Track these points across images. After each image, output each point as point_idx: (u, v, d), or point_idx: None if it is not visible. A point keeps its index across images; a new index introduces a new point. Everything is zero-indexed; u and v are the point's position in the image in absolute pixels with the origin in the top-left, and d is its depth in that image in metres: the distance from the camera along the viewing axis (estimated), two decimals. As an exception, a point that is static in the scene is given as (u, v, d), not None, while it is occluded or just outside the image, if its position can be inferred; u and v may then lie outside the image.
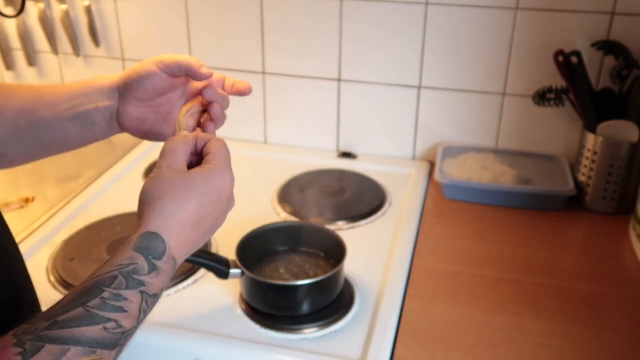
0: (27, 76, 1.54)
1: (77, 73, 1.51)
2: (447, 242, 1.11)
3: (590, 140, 1.17)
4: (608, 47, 1.16)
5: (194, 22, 1.38)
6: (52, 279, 1.00)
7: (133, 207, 1.21)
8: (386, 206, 1.21)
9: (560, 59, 1.16)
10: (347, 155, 1.40)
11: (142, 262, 0.52)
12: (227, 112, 1.42)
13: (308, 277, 0.96)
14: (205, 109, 0.69)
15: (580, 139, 1.21)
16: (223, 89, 0.70)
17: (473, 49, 1.26)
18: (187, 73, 0.67)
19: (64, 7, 1.42)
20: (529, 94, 1.25)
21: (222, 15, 1.36)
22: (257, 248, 0.98)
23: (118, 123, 0.71)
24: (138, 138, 0.73)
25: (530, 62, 1.24)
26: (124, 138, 1.55)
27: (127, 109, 0.70)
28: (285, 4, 1.31)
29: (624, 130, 1.14)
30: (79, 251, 1.06)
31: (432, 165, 1.35)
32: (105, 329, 0.48)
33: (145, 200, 0.56)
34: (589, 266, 1.04)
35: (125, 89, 0.69)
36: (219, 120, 0.69)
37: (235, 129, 1.46)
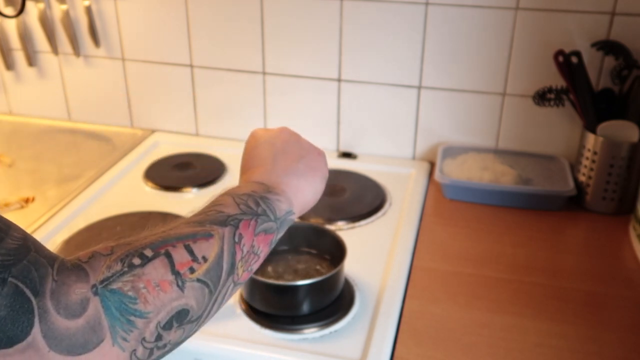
0: (27, 76, 1.54)
1: (77, 73, 1.51)
2: (447, 242, 1.11)
3: (590, 140, 1.17)
4: (608, 47, 1.16)
5: (194, 22, 1.38)
6: (52, 279, 1.00)
7: (133, 207, 1.22)
8: (386, 206, 1.21)
9: (560, 59, 1.16)
10: (347, 155, 1.40)
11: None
12: (227, 111, 1.43)
13: (308, 277, 0.96)
14: None
15: (580, 139, 1.21)
16: None
17: (473, 49, 1.26)
18: None
19: (64, 7, 1.42)
20: (529, 94, 1.25)
21: (222, 15, 1.36)
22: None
23: None
24: None
25: (530, 62, 1.24)
26: (124, 138, 1.55)
27: None
28: (285, 4, 1.31)
29: (624, 130, 1.14)
30: (79, 251, 1.04)
31: (432, 165, 1.35)
32: (207, 214, 0.55)
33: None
34: (589, 266, 1.04)
35: None
36: None
37: (236, 129, 1.46)
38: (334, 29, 1.31)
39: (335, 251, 0.96)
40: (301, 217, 1.16)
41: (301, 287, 0.90)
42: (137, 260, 0.47)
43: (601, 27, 1.18)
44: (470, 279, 1.00)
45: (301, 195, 0.66)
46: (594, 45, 1.17)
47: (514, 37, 1.23)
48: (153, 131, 1.51)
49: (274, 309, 0.91)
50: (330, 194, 1.25)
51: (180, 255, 0.49)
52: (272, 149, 0.69)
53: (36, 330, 0.40)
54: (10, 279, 0.40)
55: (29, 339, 0.40)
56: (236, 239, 0.55)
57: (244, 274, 0.55)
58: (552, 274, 1.01)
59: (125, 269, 0.46)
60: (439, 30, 1.25)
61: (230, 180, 1.30)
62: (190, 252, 0.50)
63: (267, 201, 0.60)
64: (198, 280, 0.49)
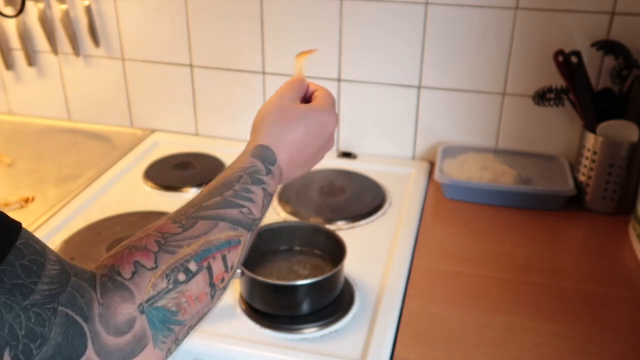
0: (27, 76, 1.54)
1: (77, 73, 1.51)
2: (447, 242, 1.11)
3: (590, 140, 1.17)
4: (608, 47, 1.16)
5: (194, 22, 1.38)
6: (52, 279, 1.00)
7: (133, 207, 1.22)
8: (386, 206, 1.21)
9: (560, 59, 1.16)
10: (347, 155, 1.40)
11: (260, 166, 0.63)
12: (227, 111, 1.43)
13: (308, 277, 0.96)
14: None
15: (580, 139, 1.21)
16: None
17: (473, 49, 1.26)
18: None
19: (64, 7, 1.42)
20: (529, 94, 1.25)
21: (222, 15, 1.36)
22: (257, 248, 0.98)
23: None
24: None
25: (530, 62, 1.24)
26: (124, 138, 1.55)
27: None
28: (285, 4, 1.31)
29: (624, 130, 1.14)
30: (79, 251, 1.06)
31: (432, 165, 1.35)
32: (241, 212, 0.57)
33: (261, 121, 0.67)
34: (589, 266, 1.04)
35: None
36: None
37: (235, 129, 1.46)
38: (334, 29, 1.31)
39: (335, 251, 0.96)
40: (301, 217, 1.16)
41: (301, 287, 0.90)
42: (182, 277, 0.49)
43: (601, 27, 1.18)
44: (470, 279, 1.00)
45: (287, 181, 0.69)
46: (594, 45, 1.17)
47: (514, 37, 1.23)
48: (153, 131, 1.51)
49: (274, 309, 0.91)
50: (330, 194, 1.25)
51: (218, 268, 0.52)
52: (306, 135, 0.67)
53: (90, 351, 0.43)
54: (60, 308, 0.42)
55: (84, 358, 0.43)
56: (249, 244, 0.58)
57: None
58: (552, 274, 1.01)
59: (171, 286, 0.49)
60: (439, 30, 1.25)
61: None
62: (225, 263, 0.53)
63: (270, 202, 0.63)
64: (224, 288, 0.54)
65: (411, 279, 1.00)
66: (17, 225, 0.43)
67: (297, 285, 0.91)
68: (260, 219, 0.60)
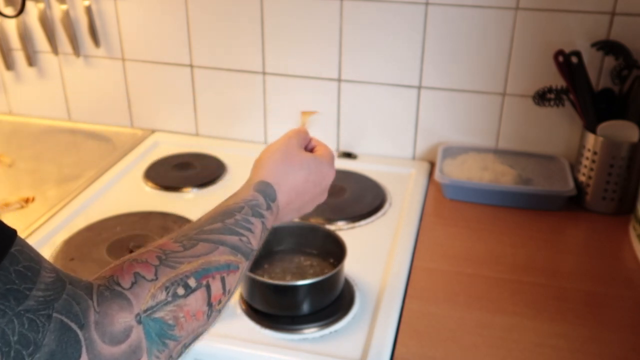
0: (27, 76, 1.54)
1: (77, 73, 1.51)
2: (447, 242, 1.11)
3: (590, 140, 1.17)
4: (608, 47, 1.16)
5: (194, 22, 1.38)
6: (52, 279, 1.00)
7: (133, 207, 1.21)
8: (386, 206, 1.21)
9: (560, 59, 1.16)
10: (347, 155, 1.40)
11: (261, 200, 0.65)
12: (227, 111, 1.43)
13: (308, 277, 0.96)
14: None
15: (580, 139, 1.21)
16: None
17: (473, 49, 1.26)
18: None
19: (64, 7, 1.42)
20: (529, 94, 1.25)
21: (222, 15, 1.36)
22: (257, 248, 0.98)
23: None
24: None
25: (530, 62, 1.24)
26: (124, 138, 1.55)
27: None
28: (285, 4, 1.31)
29: (624, 130, 1.14)
30: (79, 251, 1.06)
31: (432, 165, 1.35)
32: (241, 240, 0.59)
33: (266, 158, 0.70)
34: (589, 266, 1.04)
35: None
36: None
37: (235, 129, 1.46)
38: (334, 29, 1.31)
39: (335, 251, 0.96)
40: (301, 217, 1.16)
41: (301, 287, 0.90)
42: (181, 291, 0.50)
43: (601, 27, 1.18)
44: (470, 279, 1.00)
45: (278, 222, 0.71)
46: (594, 45, 1.17)
47: (514, 37, 1.23)
48: (153, 131, 1.51)
49: (274, 309, 0.91)
50: (330, 194, 1.24)
51: (216, 288, 0.53)
52: (306, 181, 0.71)
53: (84, 359, 0.42)
54: (54, 314, 0.42)
55: None
56: (245, 272, 0.59)
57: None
58: (552, 274, 1.01)
59: (169, 298, 0.49)
60: (439, 30, 1.25)
61: (230, 180, 1.30)
62: (223, 285, 0.54)
63: (266, 236, 0.65)
64: (219, 310, 0.55)
65: (411, 279, 1.00)
66: (12, 232, 0.42)
67: (297, 285, 0.91)
68: (257, 250, 0.61)
